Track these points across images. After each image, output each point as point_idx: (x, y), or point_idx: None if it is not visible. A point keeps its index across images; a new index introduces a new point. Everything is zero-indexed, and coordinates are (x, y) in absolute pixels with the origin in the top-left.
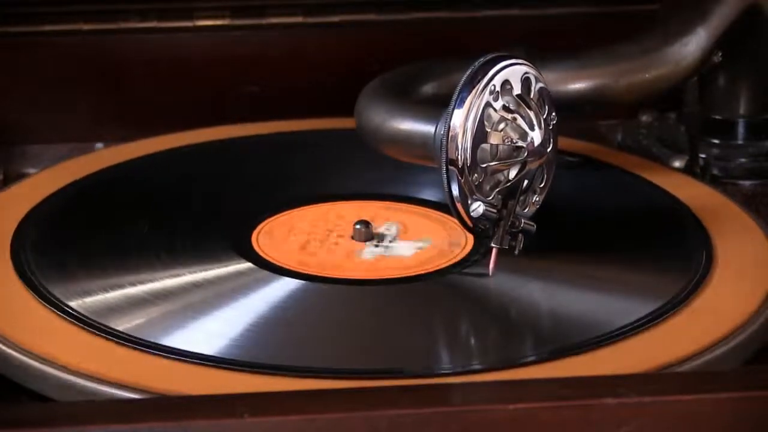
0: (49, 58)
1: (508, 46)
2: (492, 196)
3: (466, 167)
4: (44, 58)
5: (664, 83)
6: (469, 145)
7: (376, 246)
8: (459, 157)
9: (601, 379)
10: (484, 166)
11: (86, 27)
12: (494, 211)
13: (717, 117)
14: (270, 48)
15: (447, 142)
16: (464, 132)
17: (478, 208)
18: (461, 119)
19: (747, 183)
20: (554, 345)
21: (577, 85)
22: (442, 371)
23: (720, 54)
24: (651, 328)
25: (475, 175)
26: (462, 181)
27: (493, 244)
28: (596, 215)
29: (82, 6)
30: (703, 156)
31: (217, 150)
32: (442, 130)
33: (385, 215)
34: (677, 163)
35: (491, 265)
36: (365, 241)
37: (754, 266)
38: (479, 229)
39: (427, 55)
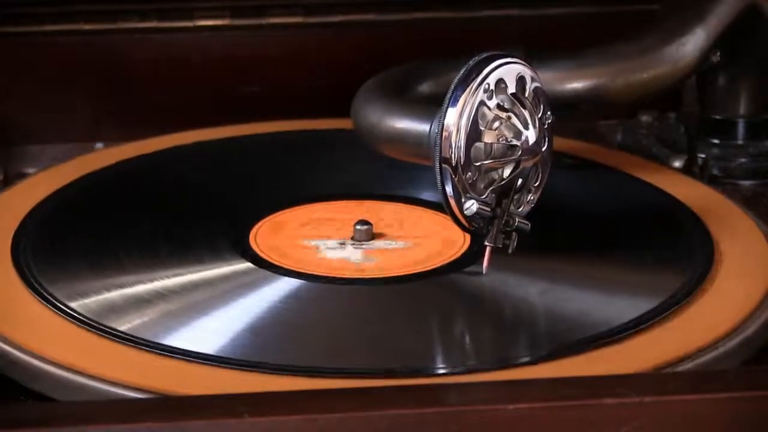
0: (49, 58)
1: (508, 47)
2: (486, 194)
3: (459, 165)
4: (44, 58)
5: (662, 83)
6: (462, 143)
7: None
8: (453, 155)
9: (601, 379)
10: (478, 164)
11: (86, 27)
12: (488, 209)
13: (717, 117)
14: (270, 48)
15: (441, 140)
16: (458, 130)
17: (471, 206)
18: (455, 118)
19: (747, 183)
20: (554, 345)
21: (575, 85)
22: (442, 371)
23: (718, 54)
24: (651, 328)
25: (469, 173)
26: (456, 179)
27: (487, 243)
28: (596, 215)
29: (82, 6)
30: (702, 156)
31: (217, 150)
32: (436, 128)
33: (384, 214)
34: (677, 163)
35: (485, 264)
36: (365, 240)
37: (753, 266)
38: (473, 228)
39: (427, 55)
